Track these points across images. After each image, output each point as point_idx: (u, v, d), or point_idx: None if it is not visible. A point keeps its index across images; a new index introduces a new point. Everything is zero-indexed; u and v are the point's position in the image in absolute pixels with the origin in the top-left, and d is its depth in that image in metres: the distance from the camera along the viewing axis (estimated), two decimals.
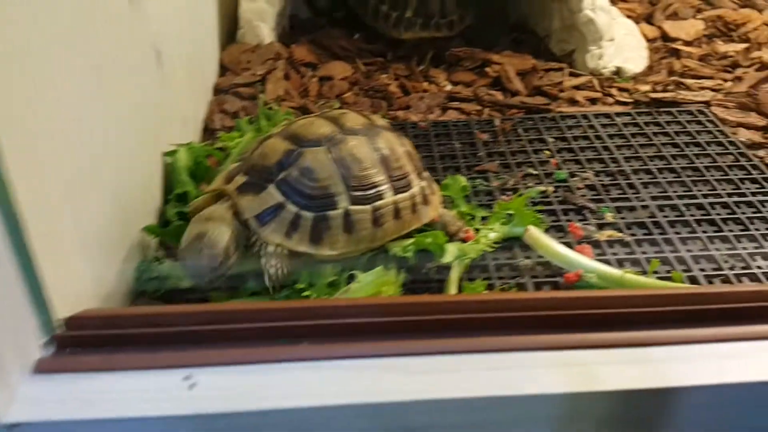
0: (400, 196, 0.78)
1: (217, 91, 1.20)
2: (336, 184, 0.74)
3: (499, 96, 1.22)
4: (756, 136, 1.08)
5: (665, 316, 0.58)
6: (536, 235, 0.81)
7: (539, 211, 0.90)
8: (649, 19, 1.49)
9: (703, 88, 1.22)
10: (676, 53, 1.35)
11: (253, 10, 1.28)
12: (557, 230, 0.88)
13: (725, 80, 1.26)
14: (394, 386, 0.52)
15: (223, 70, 1.26)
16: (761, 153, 1.04)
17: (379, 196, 0.76)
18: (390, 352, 0.54)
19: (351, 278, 0.74)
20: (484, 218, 0.87)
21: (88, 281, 0.64)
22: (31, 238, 0.50)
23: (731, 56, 1.33)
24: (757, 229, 0.87)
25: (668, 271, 0.80)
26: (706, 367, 0.53)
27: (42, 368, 0.52)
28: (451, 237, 0.83)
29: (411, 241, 0.78)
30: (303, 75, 1.26)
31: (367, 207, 0.75)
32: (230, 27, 1.33)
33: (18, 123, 0.50)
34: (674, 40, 1.39)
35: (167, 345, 0.54)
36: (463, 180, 0.90)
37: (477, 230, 0.84)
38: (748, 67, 1.29)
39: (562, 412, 0.52)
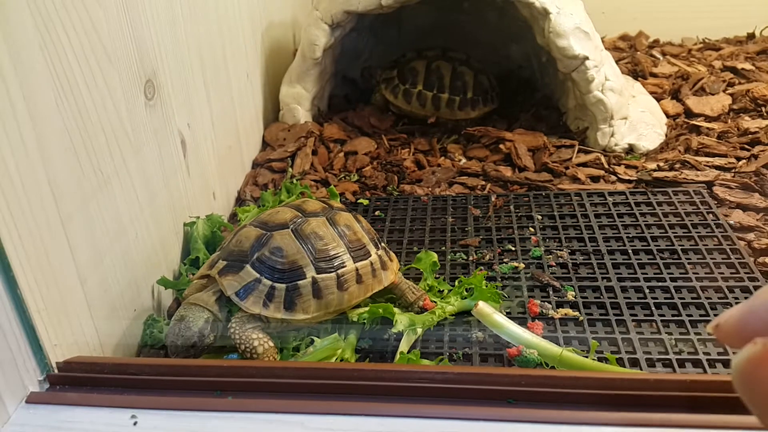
0: (360, 263, 0.90)
1: (255, 164, 1.39)
2: (302, 258, 0.87)
3: (507, 172, 1.31)
4: (750, 219, 1.08)
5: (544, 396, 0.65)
6: (485, 310, 0.89)
7: (506, 287, 0.98)
8: (675, 95, 1.51)
9: (711, 167, 1.23)
10: (696, 129, 1.37)
11: (291, 94, 1.47)
12: (519, 306, 0.95)
13: (740, 158, 1.26)
14: None
15: (265, 145, 1.46)
16: (750, 236, 1.04)
17: (342, 265, 0.88)
18: (293, 410, 0.66)
19: (312, 343, 0.87)
20: (449, 291, 0.96)
21: (92, 334, 0.81)
22: (29, 305, 0.68)
23: (754, 133, 1.33)
24: (716, 315, 0.89)
25: (613, 352, 0.85)
26: None
27: (31, 399, 0.68)
28: (410, 305, 0.93)
29: (365, 309, 0.89)
30: (331, 150, 1.42)
31: (332, 274, 0.87)
32: (274, 108, 1.53)
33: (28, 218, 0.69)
34: (697, 116, 1.41)
35: (123, 388, 0.69)
36: (434, 255, 1.00)
37: (435, 302, 0.93)
38: None
39: None
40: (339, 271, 0.88)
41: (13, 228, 0.66)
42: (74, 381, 0.72)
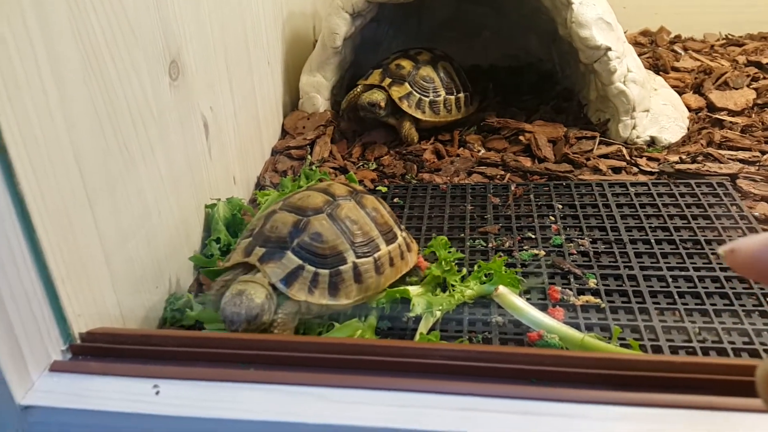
0: (391, 246, 0.90)
1: (274, 152, 1.39)
2: (342, 243, 0.86)
3: (526, 162, 1.30)
4: None
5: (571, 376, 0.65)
6: (505, 294, 0.88)
7: (527, 273, 0.97)
8: (698, 89, 1.49)
9: (735, 160, 1.22)
10: (719, 123, 1.35)
11: (311, 83, 1.48)
12: (539, 292, 0.95)
13: (764, 152, 1.24)
14: (312, 410, 0.63)
15: (284, 133, 1.46)
16: None
17: (377, 248, 0.88)
18: (315, 383, 0.66)
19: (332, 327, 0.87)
20: (468, 274, 0.96)
21: (114, 306, 0.82)
22: (53, 274, 0.68)
23: None
24: (742, 305, 0.88)
25: (636, 340, 0.84)
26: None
27: (55, 368, 0.69)
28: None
29: (383, 293, 0.89)
30: (349, 139, 1.42)
31: (370, 258, 0.87)
32: (294, 97, 1.53)
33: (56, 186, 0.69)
34: (720, 110, 1.39)
35: (146, 359, 0.69)
36: (444, 239, 0.98)
37: (453, 287, 0.92)
38: None
39: None
40: (375, 255, 0.88)
41: (41, 199, 0.67)
42: (97, 351, 0.72)
